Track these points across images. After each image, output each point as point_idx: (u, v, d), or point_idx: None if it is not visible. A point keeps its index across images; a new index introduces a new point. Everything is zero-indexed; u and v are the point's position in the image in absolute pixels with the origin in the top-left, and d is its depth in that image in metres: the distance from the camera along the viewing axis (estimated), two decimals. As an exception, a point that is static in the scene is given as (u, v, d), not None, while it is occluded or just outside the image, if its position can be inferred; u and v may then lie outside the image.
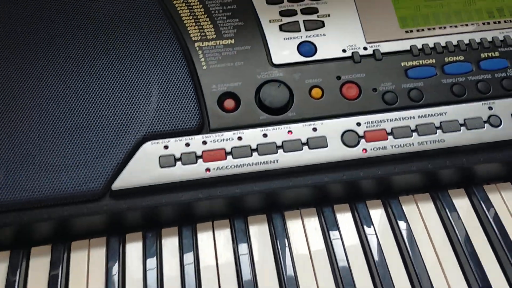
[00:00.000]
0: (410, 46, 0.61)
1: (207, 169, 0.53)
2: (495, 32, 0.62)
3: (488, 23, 0.63)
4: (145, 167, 0.52)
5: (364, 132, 0.56)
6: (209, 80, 0.57)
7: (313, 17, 0.62)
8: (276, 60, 0.59)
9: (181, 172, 0.52)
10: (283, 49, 0.60)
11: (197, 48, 0.58)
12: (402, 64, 0.60)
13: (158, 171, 0.52)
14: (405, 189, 0.58)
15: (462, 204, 0.58)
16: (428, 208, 0.57)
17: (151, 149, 0.53)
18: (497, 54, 0.61)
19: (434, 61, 0.60)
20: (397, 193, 0.58)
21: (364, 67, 0.59)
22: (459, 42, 0.61)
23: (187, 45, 0.59)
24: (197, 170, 0.53)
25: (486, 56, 0.61)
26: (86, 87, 0.55)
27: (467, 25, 0.63)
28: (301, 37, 0.61)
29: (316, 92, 0.58)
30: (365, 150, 0.55)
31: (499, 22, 0.63)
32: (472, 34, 0.62)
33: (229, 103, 0.56)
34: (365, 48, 0.60)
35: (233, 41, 0.59)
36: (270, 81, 0.58)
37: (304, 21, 0.61)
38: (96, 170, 0.52)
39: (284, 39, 0.60)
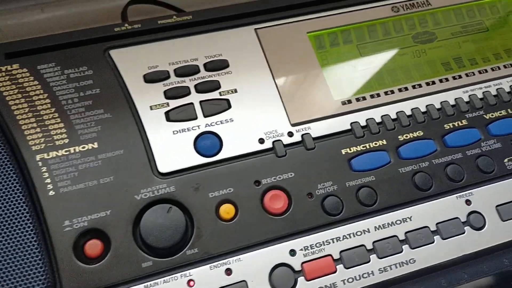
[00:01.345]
0: (351, 124, 0.44)
1: None
2: (457, 91, 0.47)
3: (446, 80, 0.48)
4: None
5: (301, 265, 0.38)
6: (59, 213, 0.37)
7: (214, 95, 0.44)
8: (163, 167, 0.40)
9: None
10: (173, 148, 0.41)
11: (40, 163, 0.38)
12: (343, 151, 0.43)
13: None
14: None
15: None
16: None
17: None
18: (464, 122, 0.45)
19: (385, 142, 0.44)
20: None
21: (291, 162, 0.42)
22: (413, 111, 0.45)
23: (24, 159, 0.39)
24: None
25: (452, 127, 0.45)
26: None
27: (419, 85, 0.47)
28: (199, 127, 0.42)
29: (226, 210, 0.39)
30: (306, 295, 0.37)
31: (460, 77, 0.48)
32: (429, 98, 0.46)
33: (92, 247, 0.36)
34: (290, 134, 0.43)
35: (95, 145, 0.40)
36: (156, 203, 0.39)
37: (201, 102, 0.43)
38: None
39: (173, 133, 0.42)
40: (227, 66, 0.45)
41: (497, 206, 0.42)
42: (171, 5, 0.61)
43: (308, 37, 0.49)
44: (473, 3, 0.53)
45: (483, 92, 0.47)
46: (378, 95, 0.46)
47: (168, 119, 0.42)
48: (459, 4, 0.53)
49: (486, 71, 0.49)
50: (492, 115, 0.46)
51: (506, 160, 0.44)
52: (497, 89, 0.47)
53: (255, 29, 0.48)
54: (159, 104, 0.42)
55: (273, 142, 0.42)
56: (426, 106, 0.46)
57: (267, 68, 0.46)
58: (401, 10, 0.51)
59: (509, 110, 0.46)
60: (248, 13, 0.49)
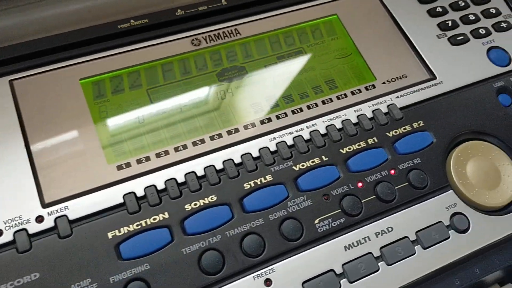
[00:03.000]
0: (124, 197, 0.35)
1: None
2: (264, 139, 0.39)
3: (236, 131, 0.40)
4: None
5: None
6: None
7: None
8: None
9: None
10: None
11: None
12: (110, 235, 0.34)
13: None
14: None
15: None
16: None
17: None
18: (269, 178, 0.38)
19: (166, 215, 0.35)
20: None
21: (38, 258, 0.32)
22: (206, 170, 0.37)
23: None
24: None
25: (253, 185, 0.37)
26: None
27: (219, 135, 0.39)
28: None
29: None
30: None
31: (269, 121, 0.41)
32: (225, 153, 0.38)
33: None
34: (39, 219, 0.33)
35: None
36: None
37: None
38: None
39: None
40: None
41: (303, 283, 0.35)
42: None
43: (80, 84, 0.39)
44: (293, 27, 0.46)
45: (293, 138, 0.40)
46: (167, 152, 0.38)
47: None
48: (275, 30, 0.45)
49: (300, 110, 0.42)
50: (303, 165, 0.39)
51: (317, 220, 0.37)
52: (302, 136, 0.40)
53: (10, 80, 0.39)
54: None
55: (14, 233, 0.33)
56: (223, 161, 0.38)
57: (19, 130, 0.36)
58: (203, 43, 0.43)
59: (321, 158, 0.39)
60: (3, 61, 0.39)
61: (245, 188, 0.37)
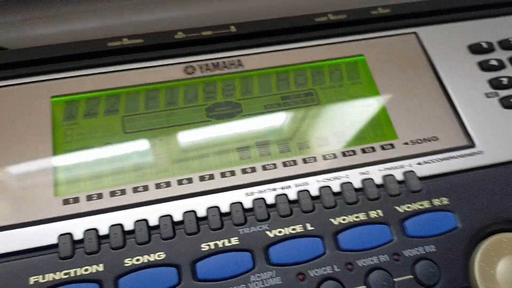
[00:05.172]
0: (59, 237, 0.30)
1: None
2: (239, 192, 0.33)
3: (220, 176, 0.34)
4: None
5: None
6: None
7: None
8: None
9: None
10: None
11: None
12: (32, 281, 0.29)
13: None
14: None
15: None
16: None
17: None
18: (235, 242, 0.31)
19: (101, 268, 0.30)
20: None
21: None
22: (161, 220, 0.31)
23: None
24: None
25: (212, 248, 0.31)
26: None
27: (188, 179, 0.33)
28: None
29: None
30: None
31: (252, 171, 0.34)
32: (200, 200, 0.32)
33: None
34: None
35: None
36: None
37: None
38: None
39: None
40: None
41: None
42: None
43: (51, 103, 0.36)
44: (308, 65, 0.40)
45: (275, 196, 0.33)
46: (123, 192, 0.33)
47: None
48: (285, 65, 0.39)
49: (295, 163, 0.35)
50: (280, 231, 0.32)
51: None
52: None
53: (-22, 90, 0.36)
54: None
55: None
56: (184, 213, 0.32)
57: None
58: (197, 72, 0.38)
59: (304, 225, 0.32)
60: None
61: (202, 249, 0.30)
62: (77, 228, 0.31)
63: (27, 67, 0.36)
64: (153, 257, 0.30)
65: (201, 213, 0.32)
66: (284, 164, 0.34)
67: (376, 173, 0.34)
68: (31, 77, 0.36)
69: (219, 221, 0.31)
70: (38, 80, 0.36)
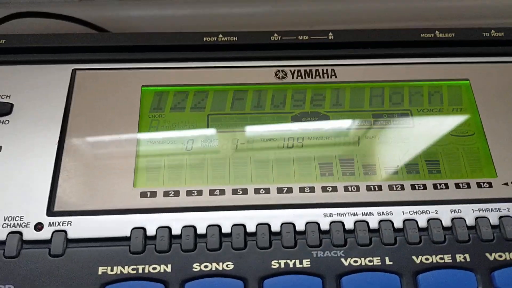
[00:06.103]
0: (132, 231, 0.30)
1: None
2: (315, 211, 0.31)
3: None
4: None
5: None
6: None
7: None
8: None
9: None
10: None
11: None
12: (101, 271, 0.29)
13: None
14: None
15: None
16: None
17: None
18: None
19: (169, 269, 0.29)
20: None
21: (21, 270, 0.28)
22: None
23: None
24: None
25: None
26: None
27: (258, 190, 0.32)
28: None
29: None
30: None
31: (332, 189, 0.32)
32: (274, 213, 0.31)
33: None
34: (38, 227, 0.30)
35: None
36: None
37: None
38: None
39: None
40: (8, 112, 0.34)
41: None
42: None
43: (141, 91, 0.36)
44: (407, 83, 0.37)
45: (354, 222, 0.31)
46: (200, 193, 0.32)
47: None
48: (381, 81, 0.37)
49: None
50: (356, 261, 0.30)
51: None
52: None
53: (74, 69, 0.36)
54: None
55: (9, 233, 0.30)
56: (257, 225, 0.30)
57: (59, 122, 0.33)
58: (288, 77, 0.37)
59: (383, 259, 0.30)
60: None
61: (272, 266, 0.29)
62: (151, 223, 0.30)
63: (124, 52, 0.36)
64: (221, 266, 0.29)
65: (275, 227, 0.30)
66: (368, 188, 0.32)
67: (469, 213, 0.31)
68: (126, 63, 0.36)
69: (293, 239, 0.30)
70: (132, 67, 0.36)
